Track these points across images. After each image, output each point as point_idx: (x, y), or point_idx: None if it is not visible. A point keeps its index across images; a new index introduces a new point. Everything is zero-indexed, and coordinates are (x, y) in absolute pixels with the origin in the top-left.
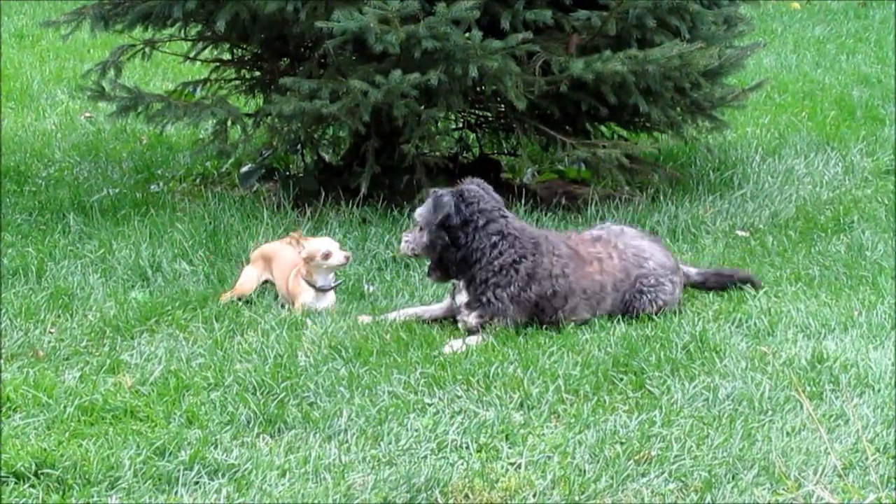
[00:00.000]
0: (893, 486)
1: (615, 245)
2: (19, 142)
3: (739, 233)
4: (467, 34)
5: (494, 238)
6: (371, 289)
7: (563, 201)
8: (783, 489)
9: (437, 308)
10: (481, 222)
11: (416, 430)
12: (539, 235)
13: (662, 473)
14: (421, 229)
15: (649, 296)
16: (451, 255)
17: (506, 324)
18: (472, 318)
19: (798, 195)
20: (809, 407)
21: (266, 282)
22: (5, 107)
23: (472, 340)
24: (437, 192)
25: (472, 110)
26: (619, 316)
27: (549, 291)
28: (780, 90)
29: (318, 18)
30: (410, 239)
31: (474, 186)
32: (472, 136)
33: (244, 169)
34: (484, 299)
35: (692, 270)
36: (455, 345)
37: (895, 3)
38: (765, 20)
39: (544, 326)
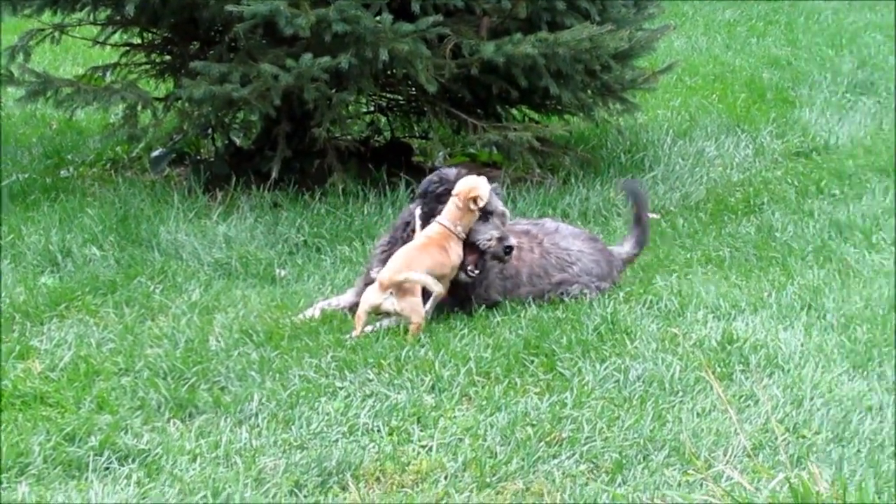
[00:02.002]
0: (803, 465)
1: (541, 242)
2: None
3: (650, 215)
4: (378, 17)
5: None
6: (283, 273)
7: None
8: (693, 469)
9: (349, 296)
10: None
11: (328, 414)
12: None
13: (573, 455)
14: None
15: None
16: None
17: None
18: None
19: (709, 177)
20: (719, 388)
21: None
22: None
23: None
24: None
25: (384, 94)
26: (531, 299)
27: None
28: (690, 73)
29: (229, 2)
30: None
31: None
32: (384, 119)
33: (155, 153)
34: None
35: (626, 249)
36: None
37: None
38: (675, 3)
39: (455, 310)
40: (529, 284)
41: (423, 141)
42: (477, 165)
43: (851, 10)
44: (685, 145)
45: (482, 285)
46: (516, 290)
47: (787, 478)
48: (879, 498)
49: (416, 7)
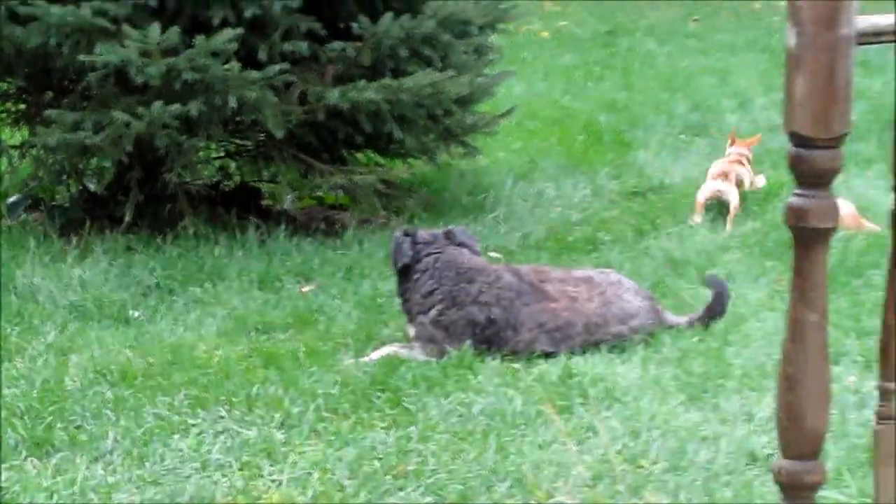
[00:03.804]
0: (641, 494)
1: (603, 291)
2: None
3: (492, 254)
4: (226, 65)
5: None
6: (136, 314)
7: (323, 226)
8: (535, 500)
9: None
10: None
11: (181, 451)
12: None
13: (419, 487)
14: None
15: None
16: None
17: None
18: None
19: (549, 217)
20: (559, 421)
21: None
22: None
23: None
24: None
25: (233, 139)
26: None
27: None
28: (530, 116)
29: (81, 52)
30: None
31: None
32: (233, 164)
33: (11, 200)
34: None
35: (681, 320)
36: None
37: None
38: (515, 49)
39: (303, 351)
40: (586, 333)
41: (272, 185)
42: (324, 208)
43: (685, 55)
44: (526, 187)
45: (509, 326)
46: (569, 340)
47: None
48: None
49: (262, 55)
